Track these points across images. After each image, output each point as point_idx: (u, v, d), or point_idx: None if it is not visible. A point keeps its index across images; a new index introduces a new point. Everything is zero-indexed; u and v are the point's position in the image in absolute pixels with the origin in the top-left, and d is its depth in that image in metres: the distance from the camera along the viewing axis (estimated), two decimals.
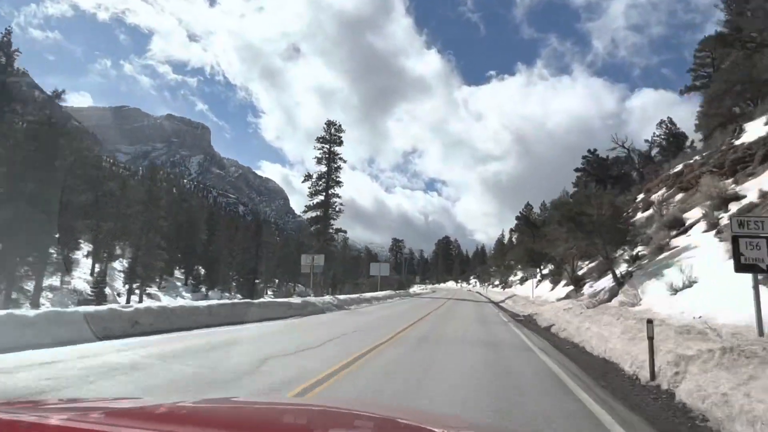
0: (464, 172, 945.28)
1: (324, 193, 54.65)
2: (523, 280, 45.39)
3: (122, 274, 52.38)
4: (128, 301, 44.90)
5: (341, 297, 21.10)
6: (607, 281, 16.61)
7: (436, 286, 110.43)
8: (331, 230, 54.64)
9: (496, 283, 70.51)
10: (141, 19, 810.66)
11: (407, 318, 16.46)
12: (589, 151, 43.83)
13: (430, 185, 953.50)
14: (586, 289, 19.59)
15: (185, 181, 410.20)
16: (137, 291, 49.78)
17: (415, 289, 71.80)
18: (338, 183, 55.37)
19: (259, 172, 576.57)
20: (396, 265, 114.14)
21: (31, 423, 1.29)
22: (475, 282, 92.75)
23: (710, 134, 29.94)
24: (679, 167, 27.35)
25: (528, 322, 17.79)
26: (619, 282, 14.53)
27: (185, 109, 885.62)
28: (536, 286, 33.08)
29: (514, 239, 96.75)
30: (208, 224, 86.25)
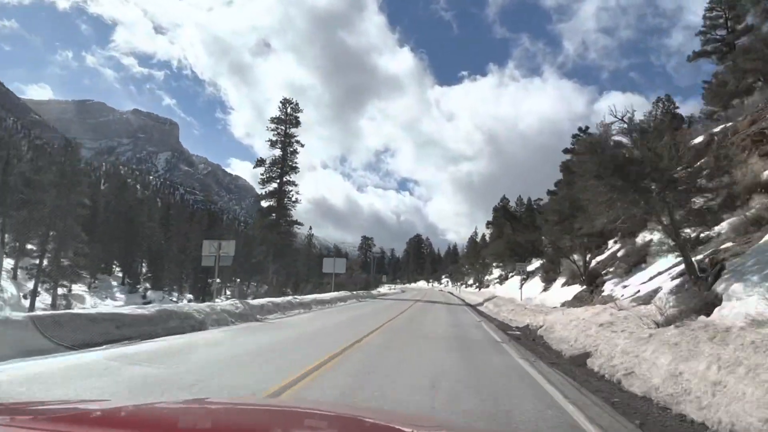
0: (436, 172, 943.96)
1: (278, 180, 47.66)
2: (503, 279, 39.42)
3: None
4: (32, 304, 37.08)
5: (255, 302, 14.35)
6: (662, 278, 10.45)
7: (407, 285, 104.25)
8: (284, 222, 47.72)
9: (470, 282, 64.72)
10: (104, 9, 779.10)
11: (337, 339, 9.80)
12: (580, 129, 38.00)
13: (402, 185, 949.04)
14: (613, 289, 13.41)
15: (150, 177, 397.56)
16: (54, 291, 41.83)
17: (383, 289, 65.32)
18: (294, 169, 48.42)
19: (228, 170, 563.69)
20: (365, 264, 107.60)
21: None
22: (447, 282, 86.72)
23: (736, 96, 24.54)
24: (701, 138, 21.53)
25: (531, 341, 11.35)
26: (702, 278, 8.32)
27: (152, 104, 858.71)
28: (521, 286, 27.13)
29: (487, 237, 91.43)
30: (164, 220, 78.30)
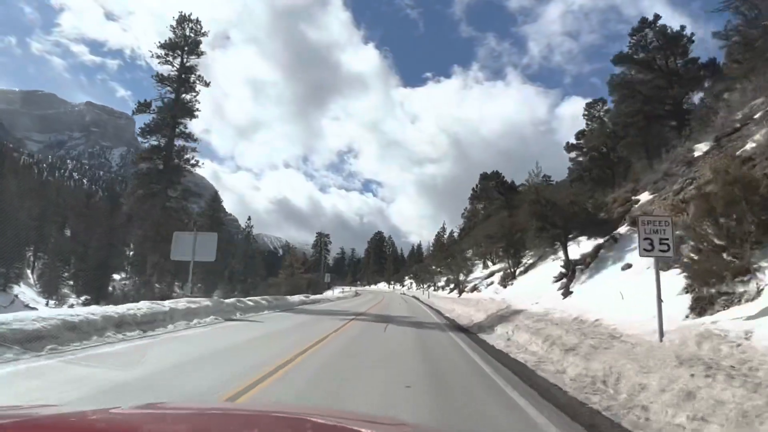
0: (400, 174, 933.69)
1: (168, 131, 32.72)
2: (508, 277, 25.29)
3: None
4: None
5: None
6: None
7: (366, 288, 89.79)
8: (174, 192, 32.84)
9: (440, 284, 50.93)
10: None
11: None
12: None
13: (366, 186, 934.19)
14: None
15: (101, 173, 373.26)
16: None
17: (331, 293, 50.82)
18: (192, 113, 33.58)
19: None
20: (319, 264, 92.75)
21: None
22: (411, 283, 72.39)
23: None
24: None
25: None
26: None
27: (105, 96, 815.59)
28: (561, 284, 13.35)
29: (456, 233, 78.24)
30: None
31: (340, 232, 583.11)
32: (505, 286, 23.70)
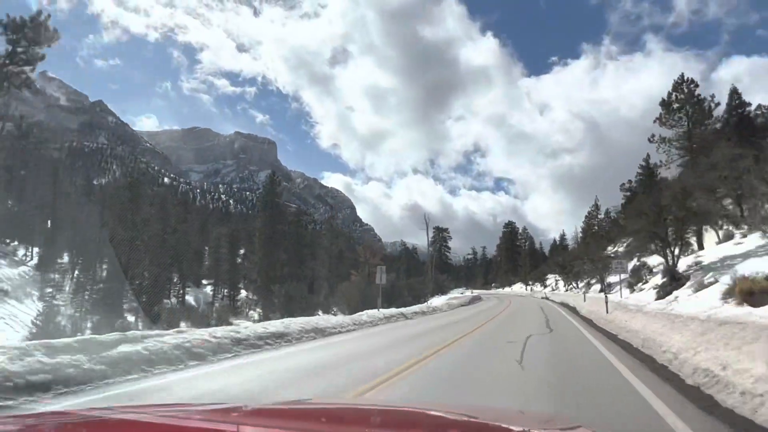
0: (532, 169, 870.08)
1: None
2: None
3: None
4: None
5: None
6: None
7: (496, 292, 73.66)
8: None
9: (593, 282, 34.81)
10: (191, 36, 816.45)
11: None
12: None
13: (497, 184, 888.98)
14: None
15: (247, 193, 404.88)
16: None
17: (439, 300, 37.39)
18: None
19: (324, 182, 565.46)
20: (440, 264, 79.07)
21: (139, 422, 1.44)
22: (555, 282, 54.37)
23: None
24: None
25: None
26: None
27: (248, 124, 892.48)
28: None
29: (612, 216, 59.38)
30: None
31: (474, 235, 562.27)
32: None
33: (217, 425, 1.42)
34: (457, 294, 45.85)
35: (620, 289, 22.62)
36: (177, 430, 1.37)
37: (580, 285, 37.39)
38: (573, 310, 23.02)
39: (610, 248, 42.79)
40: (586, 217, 63.19)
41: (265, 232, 49.86)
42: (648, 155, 48.01)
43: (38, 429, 1.44)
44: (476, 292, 59.83)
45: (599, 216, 61.56)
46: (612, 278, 27.79)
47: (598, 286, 31.10)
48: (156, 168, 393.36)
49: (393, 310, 18.60)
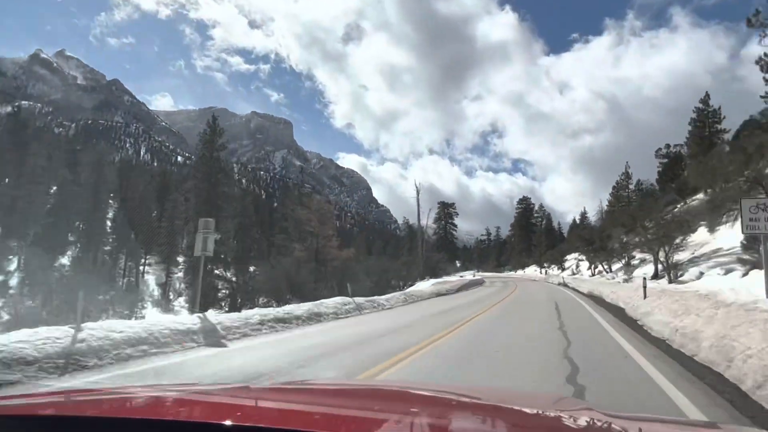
0: (551, 150, 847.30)
1: None
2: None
3: None
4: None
5: None
6: None
7: (510, 274, 64.99)
8: None
9: (619, 266, 26.25)
10: (202, 12, 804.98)
11: None
12: None
13: (515, 166, 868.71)
14: None
15: (262, 173, 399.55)
16: None
17: (428, 284, 29.55)
18: None
19: (340, 163, 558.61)
20: (446, 244, 70.63)
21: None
22: (577, 264, 45.01)
23: None
24: None
25: None
26: None
27: (263, 103, 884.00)
28: None
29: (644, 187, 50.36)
30: None
31: (491, 217, 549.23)
32: None
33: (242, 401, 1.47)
34: (454, 278, 37.46)
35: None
36: (202, 405, 1.38)
37: (615, 268, 28.46)
38: (628, 321, 10.93)
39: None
40: (614, 188, 53.74)
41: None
42: (707, 94, 38.62)
43: (66, 406, 1.38)
44: (484, 275, 51.32)
45: (630, 187, 52.14)
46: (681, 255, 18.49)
47: (647, 269, 21.80)
48: (171, 147, 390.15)
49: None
